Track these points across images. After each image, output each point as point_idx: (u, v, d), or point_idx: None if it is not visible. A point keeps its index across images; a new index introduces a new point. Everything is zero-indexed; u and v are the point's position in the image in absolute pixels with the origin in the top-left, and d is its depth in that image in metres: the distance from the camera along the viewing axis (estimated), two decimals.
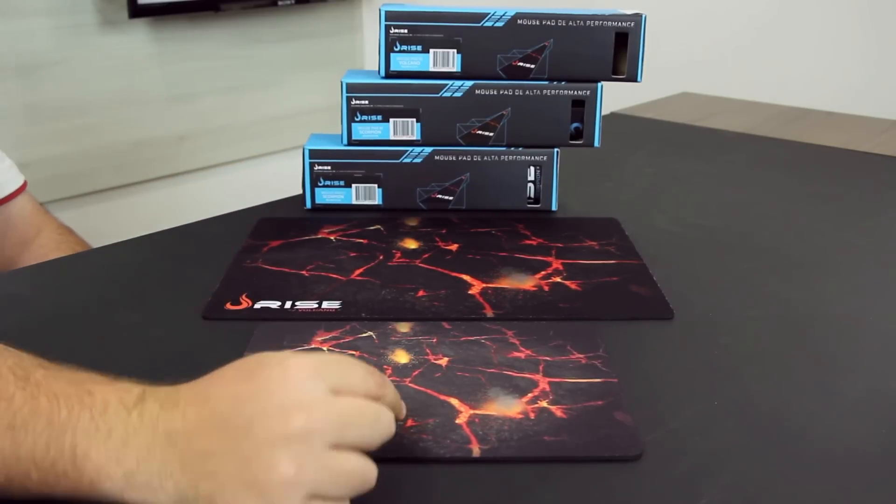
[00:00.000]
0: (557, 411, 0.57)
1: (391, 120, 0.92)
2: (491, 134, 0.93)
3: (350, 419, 0.45)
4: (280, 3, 2.07)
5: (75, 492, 0.45)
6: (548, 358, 0.64)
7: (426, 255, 0.83)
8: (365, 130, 0.92)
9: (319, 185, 0.94)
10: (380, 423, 0.47)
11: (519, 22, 0.89)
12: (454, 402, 0.58)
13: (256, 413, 0.44)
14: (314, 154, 0.93)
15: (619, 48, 0.90)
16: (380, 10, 0.90)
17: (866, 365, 0.65)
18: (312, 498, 0.43)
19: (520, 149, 0.94)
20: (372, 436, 0.46)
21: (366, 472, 0.45)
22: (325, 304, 0.73)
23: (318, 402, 0.45)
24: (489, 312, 0.72)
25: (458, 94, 0.91)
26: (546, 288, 0.76)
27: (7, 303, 0.76)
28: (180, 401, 0.46)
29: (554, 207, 0.96)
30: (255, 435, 0.43)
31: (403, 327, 0.69)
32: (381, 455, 0.53)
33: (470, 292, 0.75)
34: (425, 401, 0.59)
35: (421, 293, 0.75)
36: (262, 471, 0.42)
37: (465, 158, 0.93)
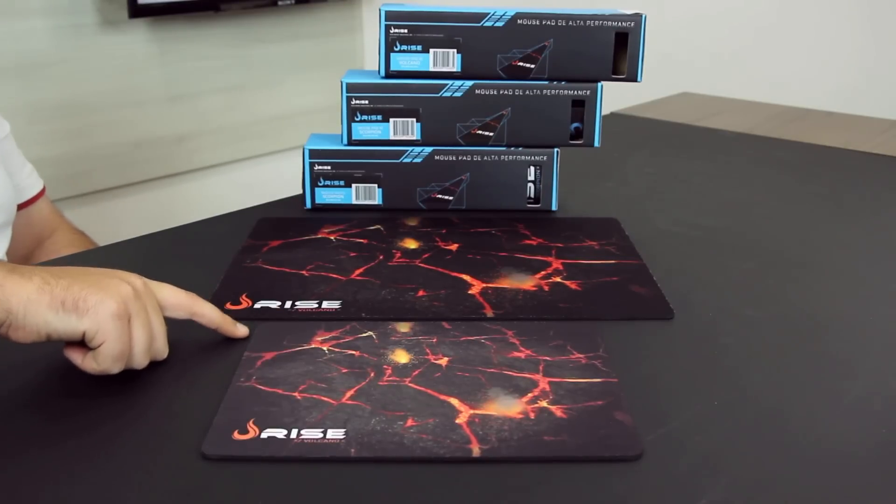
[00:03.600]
0: (557, 411, 0.57)
1: (391, 120, 0.92)
2: (491, 134, 0.93)
3: (156, 311, 0.62)
4: (280, 3, 2.07)
5: None
6: (548, 358, 0.64)
7: (426, 255, 0.83)
8: (365, 130, 0.92)
9: (319, 185, 0.94)
10: (165, 338, 0.63)
11: (519, 22, 0.89)
12: (454, 402, 0.59)
13: (108, 272, 0.62)
14: (314, 154, 0.93)
15: (619, 48, 0.90)
16: (380, 10, 0.90)
17: (866, 365, 0.65)
18: (133, 318, 0.59)
19: (520, 149, 0.94)
20: (159, 333, 0.62)
21: (149, 348, 0.61)
22: (325, 304, 0.73)
23: (143, 289, 0.62)
24: (489, 312, 0.72)
25: (458, 94, 0.91)
26: (546, 288, 0.76)
27: None
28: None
29: (554, 207, 0.96)
30: (106, 273, 0.61)
31: (403, 327, 0.69)
32: (382, 455, 0.53)
33: (470, 292, 0.75)
34: (425, 401, 0.59)
35: (421, 293, 0.75)
36: (110, 285, 0.59)
37: (465, 158, 0.93)
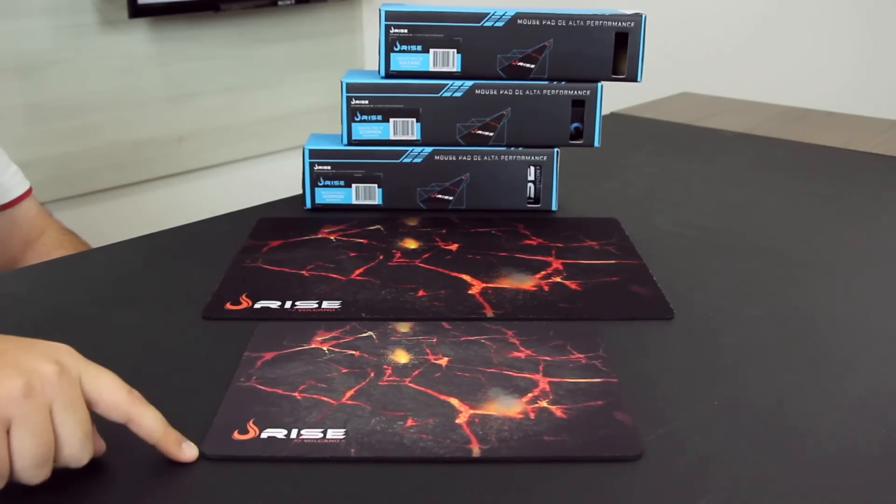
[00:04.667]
0: (557, 411, 0.57)
1: (391, 120, 0.92)
2: (491, 134, 0.93)
3: (73, 408, 0.47)
4: (280, 3, 2.07)
5: None
6: (548, 358, 0.64)
7: (426, 255, 0.83)
8: (365, 130, 0.92)
9: (319, 185, 0.94)
10: (87, 440, 0.48)
11: (519, 22, 0.89)
12: (454, 402, 0.58)
13: (17, 348, 0.48)
14: (314, 154, 0.93)
15: (619, 48, 0.90)
16: (380, 10, 0.90)
17: (866, 365, 0.65)
18: (6, 426, 0.45)
19: (520, 149, 0.94)
20: (74, 436, 0.48)
21: (46, 459, 0.47)
22: (325, 304, 0.73)
23: (68, 373, 0.48)
24: (489, 312, 0.72)
25: (458, 94, 0.91)
26: (546, 288, 0.76)
27: (7, 303, 0.76)
28: None
29: (554, 207, 0.96)
30: (8, 356, 0.47)
31: (403, 327, 0.69)
32: (382, 455, 0.53)
33: (470, 292, 0.75)
34: (425, 401, 0.59)
35: (421, 293, 0.75)
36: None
37: (465, 158, 0.93)
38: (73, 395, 0.47)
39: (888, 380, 0.63)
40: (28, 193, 1.08)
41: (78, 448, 0.48)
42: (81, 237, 1.11)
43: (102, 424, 0.52)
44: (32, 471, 0.46)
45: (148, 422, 0.50)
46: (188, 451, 0.52)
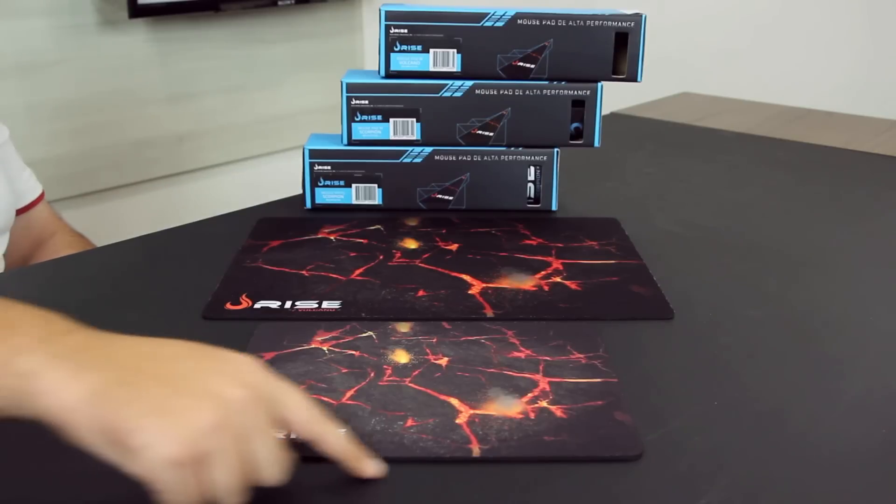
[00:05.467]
0: (557, 411, 0.57)
1: (391, 120, 0.92)
2: (491, 134, 0.93)
3: (264, 432, 0.45)
4: (280, 3, 2.07)
5: None
6: (548, 358, 0.64)
7: (426, 255, 0.83)
8: (365, 130, 0.92)
9: (319, 185, 0.94)
10: (280, 460, 0.46)
11: (519, 22, 0.89)
12: (454, 402, 0.58)
13: (205, 368, 0.45)
14: (314, 154, 0.93)
15: (619, 48, 0.90)
16: (380, 10, 0.90)
17: (866, 365, 0.65)
18: (202, 460, 0.42)
19: (520, 149, 0.94)
20: (266, 459, 0.45)
21: (240, 487, 0.45)
22: (325, 304, 0.73)
23: (257, 396, 0.45)
24: (489, 312, 0.72)
25: (458, 94, 0.91)
26: (546, 288, 0.76)
27: None
28: (126, 336, 0.47)
29: (554, 207, 0.96)
30: (196, 380, 0.44)
31: (403, 327, 0.69)
32: (382, 455, 0.53)
33: (470, 292, 0.75)
34: (425, 401, 0.59)
35: (421, 293, 0.75)
36: (184, 409, 0.43)
37: (465, 158, 0.93)
38: (263, 420, 0.46)
39: (888, 380, 0.63)
40: (41, 197, 1.09)
41: (271, 469, 0.46)
42: (90, 239, 1.12)
43: None
44: (233, 498, 0.45)
45: (333, 440, 0.49)
46: (371, 468, 0.51)
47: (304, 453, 0.49)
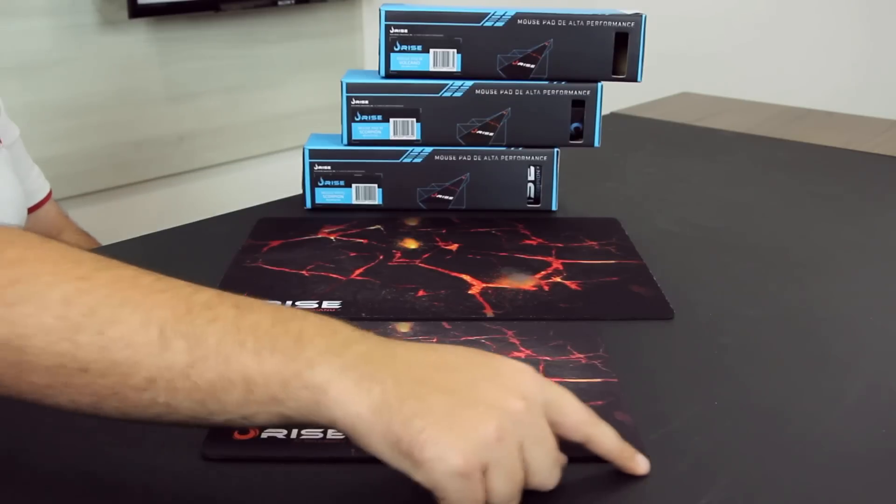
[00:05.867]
0: None
1: (391, 120, 0.92)
2: (491, 134, 0.93)
3: (541, 440, 0.47)
4: (280, 3, 2.07)
5: (283, 370, 0.45)
6: (548, 358, 0.64)
7: (426, 255, 0.83)
8: (365, 130, 0.92)
9: (319, 185, 0.94)
10: (555, 465, 0.48)
11: (519, 22, 0.89)
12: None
13: (484, 377, 0.47)
14: (314, 154, 0.93)
15: (619, 48, 0.90)
16: (380, 10, 0.90)
17: (866, 365, 0.65)
18: (483, 469, 0.45)
19: (520, 149, 0.94)
20: (543, 466, 0.47)
21: (518, 493, 0.46)
22: (325, 304, 0.73)
23: (534, 404, 0.47)
24: (489, 312, 0.72)
25: (458, 94, 0.91)
26: (546, 288, 0.76)
27: None
28: (408, 343, 0.50)
29: (554, 207, 0.96)
30: (477, 391, 0.46)
31: (403, 327, 0.69)
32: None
33: (470, 292, 0.75)
34: None
35: (421, 293, 0.75)
36: (469, 421, 0.45)
37: (465, 158, 0.93)
38: (540, 428, 0.47)
39: (888, 380, 0.63)
40: (49, 196, 1.09)
41: (548, 475, 0.48)
42: (95, 238, 1.12)
43: (109, 423, 0.52)
44: (506, 502, 0.46)
45: (607, 441, 0.50)
46: (643, 465, 0.52)
47: (575, 454, 0.50)
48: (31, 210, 1.04)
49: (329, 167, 0.94)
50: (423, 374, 0.47)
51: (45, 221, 1.08)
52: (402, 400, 0.45)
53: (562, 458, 0.49)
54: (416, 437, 0.44)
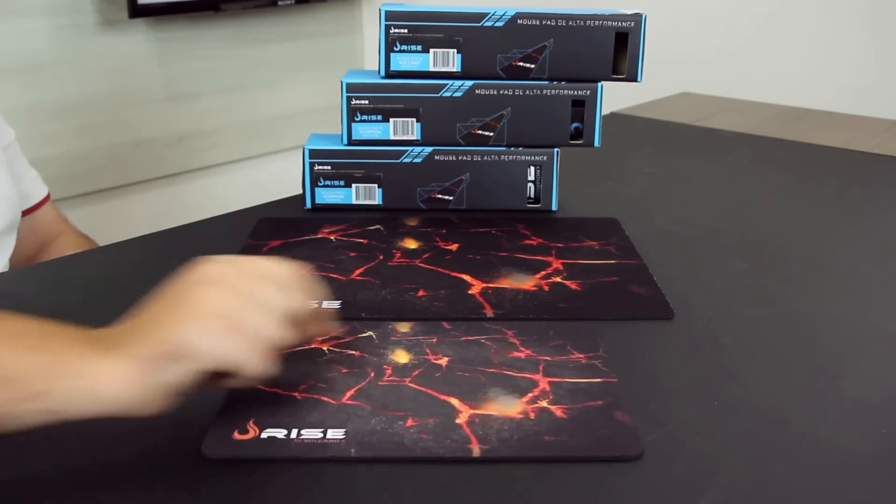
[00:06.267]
0: (557, 411, 0.57)
1: (391, 120, 0.92)
2: (491, 134, 0.93)
3: (252, 276, 0.53)
4: (280, 3, 2.07)
5: (46, 365, 0.49)
6: (548, 358, 0.64)
7: (426, 255, 0.83)
8: (365, 130, 0.92)
9: (319, 184, 0.94)
10: (281, 293, 0.53)
11: (519, 22, 0.89)
12: (454, 402, 0.58)
13: (189, 277, 0.53)
14: (314, 154, 0.93)
15: (619, 48, 0.90)
16: (380, 10, 0.90)
17: (866, 365, 0.65)
18: (237, 318, 0.51)
19: (520, 149, 0.94)
20: (272, 296, 0.52)
21: (278, 317, 0.52)
22: (325, 304, 0.73)
23: (234, 263, 0.54)
24: (489, 312, 0.72)
25: (458, 94, 0.91)
26: (546, 288, 0.76)
27: (7, 303, 0.76)
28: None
29: (554, 207, 0.96)
30: (177, 288, 0.52)
31: (403, 327, 0.69)
32: (382, 455, 0.53)
33: (470, 292, 0.75)
34: (425, 401, 0.59)
35: (421, 293, 0.75)
36: (200, 301, 0.51)
37: (465, 158, 0.93)
38: (243, 271, 0.53)
39: (888, 380, 0.63)
40: (47, 199, 1.09)
41: (283, 299, 0.53)
42: (94, 241, 1.12)
43: (109, 423, 0.52)
44: (275, 329, 0.52)
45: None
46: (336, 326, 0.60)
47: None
48: (27, 212, 1.05)
49: (329, 167, 0.94)
50: (145, 314, 0.52)
51: (42, 224, 1.08)
52: (146, 337, 0.49)
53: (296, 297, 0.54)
54: (165, 342, 0.49)
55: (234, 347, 0.50)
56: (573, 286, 0.77)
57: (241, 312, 0.51)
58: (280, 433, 0.55)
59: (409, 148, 0.93)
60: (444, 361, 0.64)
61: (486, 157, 0.93)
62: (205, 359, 0.50)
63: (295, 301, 0.54)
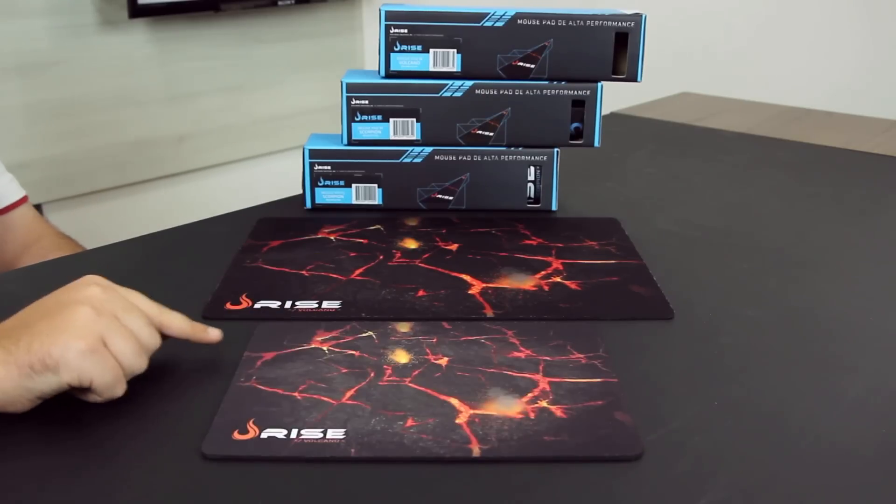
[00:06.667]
0: (557, 411, 0.57)
1: (391, 120, 0.92)
2: (491, 134, 0.93)
3: (128, 308, 0.59)
4: (280, 3, 2.07)
5: None
6: (548, 358, 0.64)
7: (426, 255, 0.83)
8: (365, 130, 0.92)
9: (319, 185, 0.94)
10: (150, 326, 0.60)
11: (519, 22, 0.89)
12: (454, 402, 0.58)
13: (64, 293, 0.59)
14: (314, 154, 0.93)
15: (619, 48, 0.90)
16: (380, 10, 0.90)
17: (866, 365, 0.65)
18: (102, 341, 0.56)
19: (520, 149, 0.94)
20: (142, 328, 0.59)
21: (139, 349, 0.58)
22: (325, 304, 0.73)
23: (108, 288, 0.60)
24: (489, 312, 0.72)
25: (458, 94, 0.91)
26: (546, 288, 0.76)
27: (7, 303, 0.76)
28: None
29: (554, 207, 0.96)
30: (63, 302, 0.58)
31: (403, 327, 0.69)
32: (382, 455, 0.53)
33: (470, 292, 0.75)
34: (425, 401, 0.59)
35: (421, 293, 0.75)
36: (68, 318, 0.56)
37: (465, 158, 0.93)
38: (124, 300, 0.59)
39: (888, 380, 0.63)
40: (23, 201, 1.09)
41: (149, 334, 0.59)
42: (79, 241, 1.11)
43: (108, 421, 0.52)
44: (135, 361, 0.57)
45: (177, 323, 0.62)
46: (214, 334, 0.63)
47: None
48: (1, 212, 1.05)
49: (329, 167, 0.94)
50: (21, 320, 0.57)
51: (20, 225, 1.08)
52: (17, 342, 0.55)
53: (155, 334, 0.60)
54: (39, 352, 0.54)
55: (97, 369, 0.55)
56: (573, 286, 0.77)
57: (109, 338, 0.56)
58: (280, 433, 0.55)
59: (409, 148, 0.93)
60: (444, 361, 0.64)
61: (486, 157, 0.93)
62: (70, 375, 0.55)
63: (156, 338, 0.60)
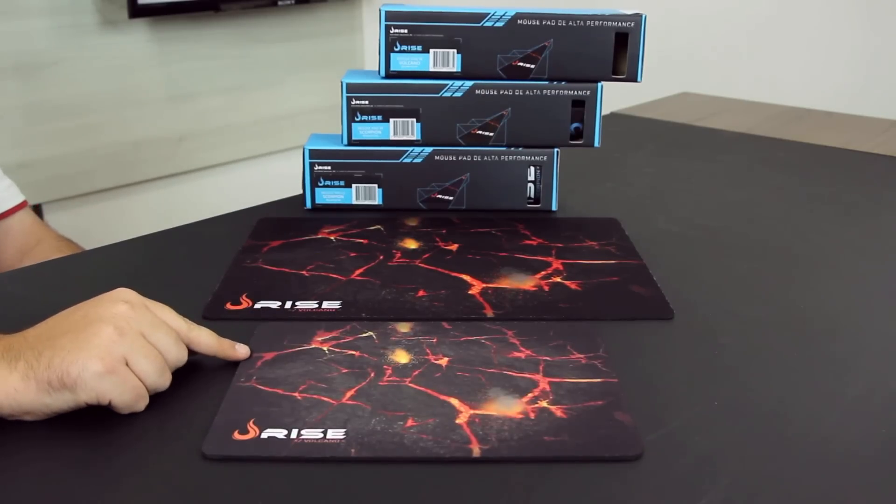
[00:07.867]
0: (557, 411, 0.58)
1: (391, 120, 0.92)
2: (491, 134, 0.93)
3: (156, 325, 0.59)
4: (280, 3, 2.07)
5: None
6: (548, 358, 0.64)
7: (426, 255, 0.83)
8: (365, 130, 0.92)
9: (319, 185, 0.94)
10: (179, 342, 0.60)
11: (519, 22, 0.89)
12: (454, 402, 0.59)
13: (90, 307, 0.58)
14: (314, 154, 0.93)
15: (619, 48, 0.90)
16: (380, 10, 0.90)
17: (866, 365, 0.65)
18: (123, 362, 0.55)
19: (520, 149, 0.94)
20: (169, 344, 0.59)
21: (163, 367, 0.58)
22: (325, 304, 0.73)
23: (137, 305, 0.59)
24: (489, 312, 0.72)
25: (458, 94, 0.91)
26: (546, 288, 0.76)
27: (7, 303, 0.76)
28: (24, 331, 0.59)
29: (554, 207, 0.96)
30: (88, 317, 0.57)
31: (403, 327, 0.69)
32: (382, 455, 0.53)
33: (470, 292, 0.75)
34: (425, 401, 0.59)
35: (421, 293, 0.75)
36: (91, 336, 0.55)
37: (465, 158, 0.93)
38: (151, 317, 0.59)
39: (888, 380, 0.63)
40: (22, 205, 1.09)
41: (177, 351, 0.59)
42: (78, 241, 1.12)
43: (109, 421, 0.52)
44: (158, 380, 0.57)
45: (205, 339, 0.62)
46: (242, 350, 0.64)
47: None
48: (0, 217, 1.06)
49: (329, 167, 0.94)
50: (47, 331, 0.57)
51: (19, 230, 1.08)
52: (39, 356, 0.54)
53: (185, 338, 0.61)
54: (58, 369, 0.54)
55: (116, 390, 0.55)
56: (573, 286, 0.77)
57: (132, 357, 0.56)
58: (280, 433, 0.55)
59: (409, 148, 0.93)
60: (444, 361, 0.64)
61: (486, 158, 0.93)
62: (87, 395, 0.55)
63: (183, 354, 0.60)
